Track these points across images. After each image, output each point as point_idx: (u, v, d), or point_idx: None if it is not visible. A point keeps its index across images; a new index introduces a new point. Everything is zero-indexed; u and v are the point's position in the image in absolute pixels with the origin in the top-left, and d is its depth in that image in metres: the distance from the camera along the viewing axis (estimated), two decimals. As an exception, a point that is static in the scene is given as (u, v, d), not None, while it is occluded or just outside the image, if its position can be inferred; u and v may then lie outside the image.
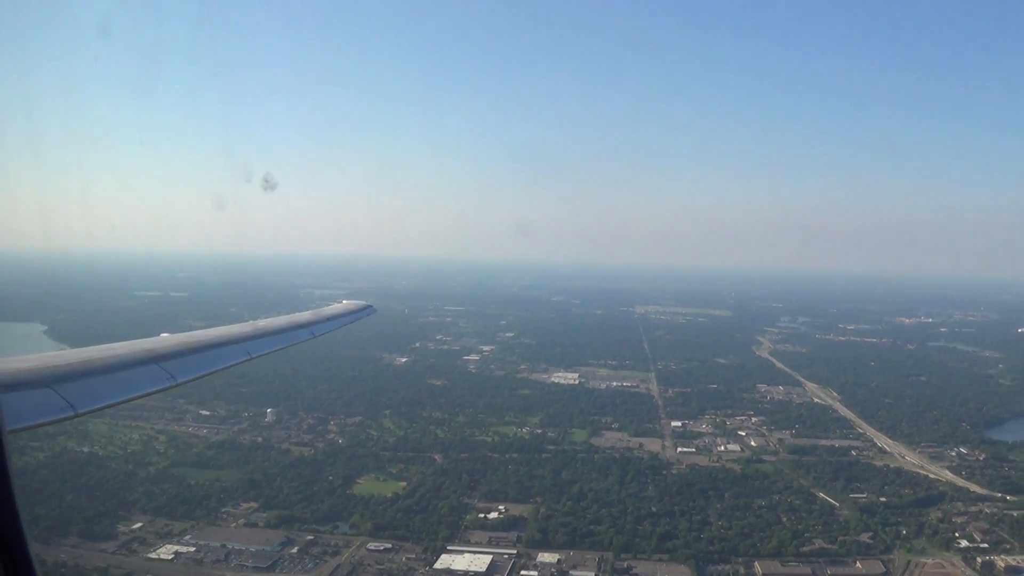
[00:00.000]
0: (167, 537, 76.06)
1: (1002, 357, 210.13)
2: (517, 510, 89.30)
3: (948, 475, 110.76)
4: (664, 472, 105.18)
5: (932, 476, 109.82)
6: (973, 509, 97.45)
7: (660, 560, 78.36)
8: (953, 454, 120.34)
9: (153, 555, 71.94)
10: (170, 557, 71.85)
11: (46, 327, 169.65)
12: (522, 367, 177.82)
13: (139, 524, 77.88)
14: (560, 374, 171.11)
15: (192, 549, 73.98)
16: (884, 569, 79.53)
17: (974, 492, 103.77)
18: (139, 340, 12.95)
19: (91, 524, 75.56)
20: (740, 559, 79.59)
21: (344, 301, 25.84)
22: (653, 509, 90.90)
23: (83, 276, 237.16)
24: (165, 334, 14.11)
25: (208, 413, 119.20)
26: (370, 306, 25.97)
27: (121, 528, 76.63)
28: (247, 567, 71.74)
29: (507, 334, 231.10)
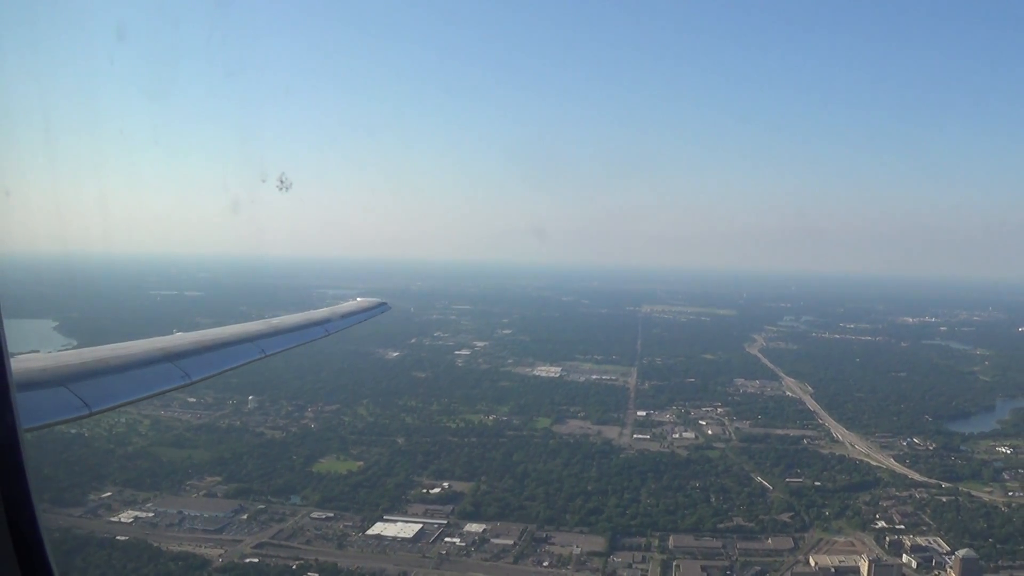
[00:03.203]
0: (131, 505, 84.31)
1: (991, 355, 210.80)
2: (460, 487, 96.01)
3: (891, 463, 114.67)
4: (612, 456, 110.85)
5: (874, 464, 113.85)
6: (904, 494, 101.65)
7: (580, 532, 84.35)
8: (904, 444, 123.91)
9: (115, 519, 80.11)
10: (130, 521, 79.95)
11: (57, 323, 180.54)
12: (509, 361, 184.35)
13: (108, 494, 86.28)
14: (543, 368, 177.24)
15: (151, 515, 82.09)
16: (793, 545, 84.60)
17: (911, 479, 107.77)
18: (153, 338, 12.86)
19: (63, 493, 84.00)
20: (657, 533, 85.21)
21: (358, 299, 26.06)
22: (589, 488, 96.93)
23: (99, 276, 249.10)
24: (179, 332, 14.24)
25: (195, 400, 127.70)
26: (384, 303, 26.08)
27: (91, 497, 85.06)
28: (197, 530, 79.62)
29: (505, 331, 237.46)
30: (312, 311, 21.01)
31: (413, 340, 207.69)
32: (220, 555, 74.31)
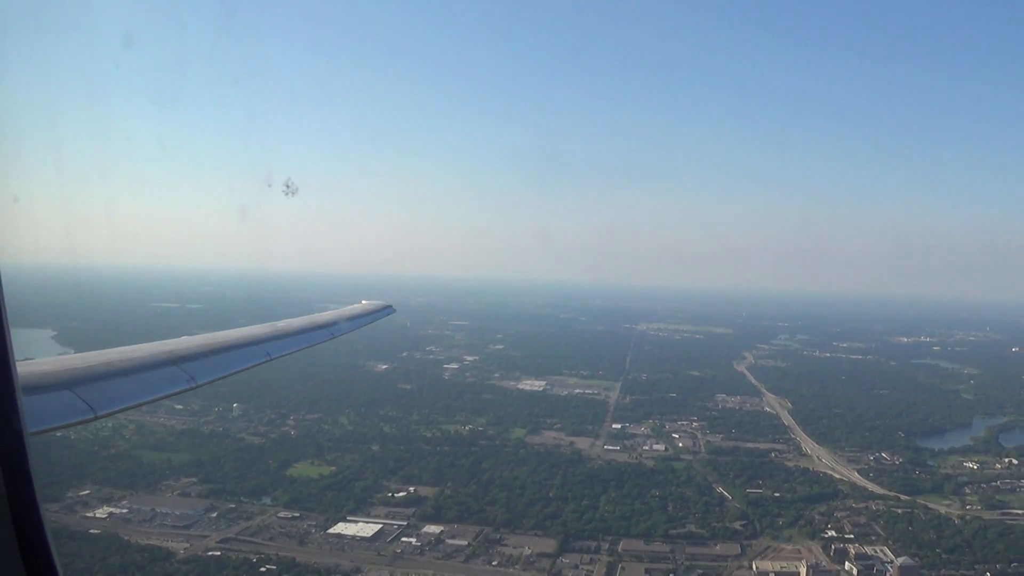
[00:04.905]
0: (107, 501, 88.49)
1: (978, 374, 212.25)
2: (425, 491, 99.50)
3: (855, 476, 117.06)
4: (579, 465, 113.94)
5: (837, 476, 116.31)
6: (860, 506, 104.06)
7: (535, 535, 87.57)
8: (871, 459, 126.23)
9: (89, 515, 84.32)
10: (104, 517, 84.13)
11: (55, 333, 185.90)
12: (496, 375, 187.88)
13: (86, 491, 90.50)
14: (529, 381, 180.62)
15: (125, 511, 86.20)
16: (740, 551, 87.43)
17: (871, 491, 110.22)
18: (159, 342, 12.83)
19: (43, 489, 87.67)
20: (609, 537, 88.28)
21: (363, 301, 26.33)
22: (550, 494, 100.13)
23: (102, 287, 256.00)
24: (185, 336, 14.17)
25: (181, 407, 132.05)
26: (389, 306, 26.26)
27: (69, 494, 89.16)
28: (167, 525, 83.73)
29: (497, 346, 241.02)
30: (317, 314, 21.27)
31: (404, 354, 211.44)
32: (185, 548, 78.25)
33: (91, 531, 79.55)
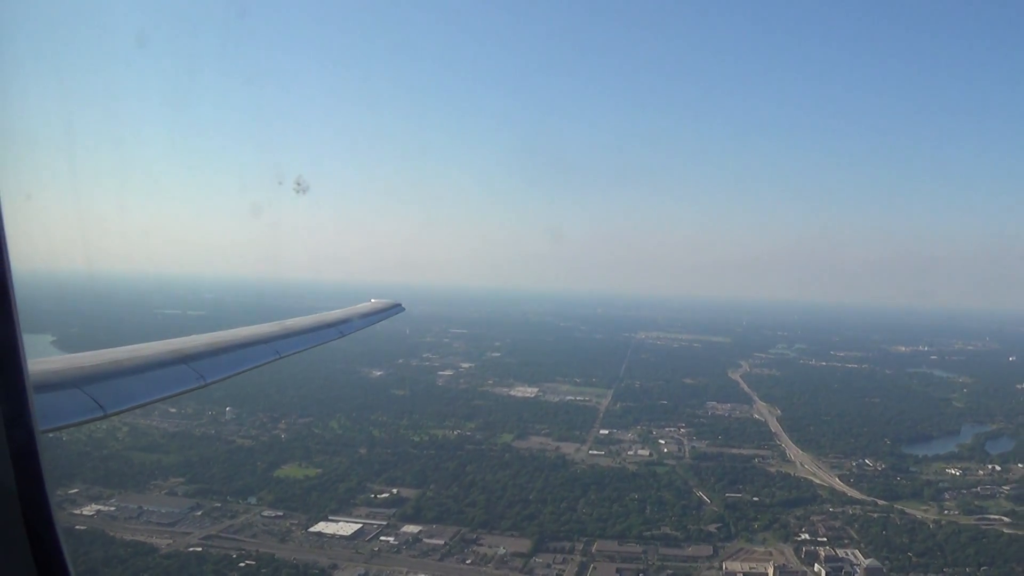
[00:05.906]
0: (95, 499, 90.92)
1: (972, 383, 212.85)
2: (408, 493, 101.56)
3: (836, 482, 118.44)
4: (562, 469, 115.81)
5: (818, 482, 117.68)
6: (837, 510, 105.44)
7: (511, 536, 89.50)
8: (854, 464, 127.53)
9: (77, 512, 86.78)
10: (91, 514, 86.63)
11: (55, 338, 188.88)
12: (489, 381, 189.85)
13: (76, 490, 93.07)
14: (521, 388, 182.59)
15: (112, 509, 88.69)
16: (712, 553, 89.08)
17: (849, 496, 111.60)
18: (168, 340, 12.74)
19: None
20: (584, 538, 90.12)
21: (372, 300, 25.76)
22: (530, 497, 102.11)
23: (108, 293, 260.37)
24: (194, 335, 14.05)
25: (175, 410, 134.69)
26: (398, 304, 25.94)
27: (58, 492, 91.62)
28: (152, 523, 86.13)
29: (494, 354, 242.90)
30: (326, 313, 21.03)
31: (400, 360, 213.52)
32: (168, 544, 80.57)
33: (77, 527, 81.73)
